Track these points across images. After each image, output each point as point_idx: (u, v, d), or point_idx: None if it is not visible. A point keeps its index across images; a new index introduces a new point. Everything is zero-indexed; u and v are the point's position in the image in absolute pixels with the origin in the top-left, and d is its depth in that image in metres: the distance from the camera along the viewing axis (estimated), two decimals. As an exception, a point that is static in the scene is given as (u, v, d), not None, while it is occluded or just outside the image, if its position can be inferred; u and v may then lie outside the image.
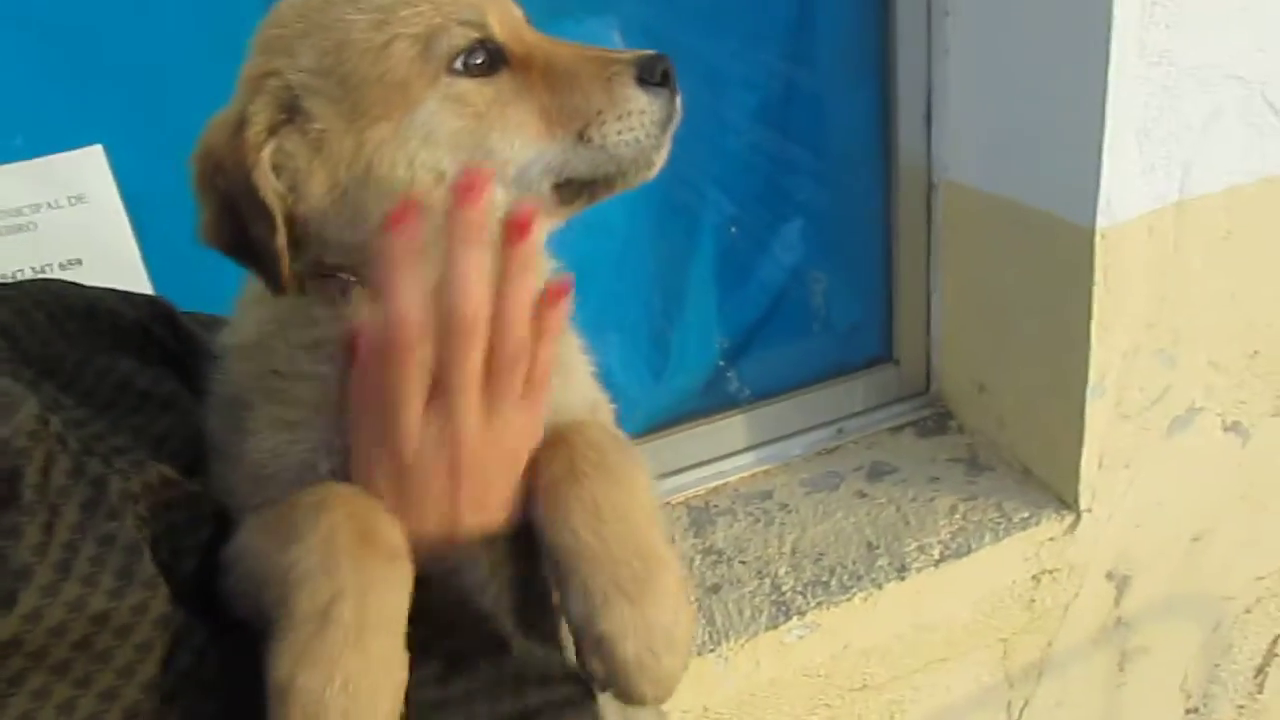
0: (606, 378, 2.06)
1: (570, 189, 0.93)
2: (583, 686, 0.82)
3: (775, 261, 2.10)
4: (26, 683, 0.66)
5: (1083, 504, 1.96)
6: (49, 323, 0.90)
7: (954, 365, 2.21)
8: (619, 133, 0.90)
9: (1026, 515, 1.96)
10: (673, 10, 1.89)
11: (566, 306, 0.85)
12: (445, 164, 0.87)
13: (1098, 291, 1.80)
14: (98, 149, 1.66)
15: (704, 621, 1.81)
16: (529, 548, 0.84)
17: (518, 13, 0.95)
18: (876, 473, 2.12)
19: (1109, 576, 2.13)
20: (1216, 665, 2.47)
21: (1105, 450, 1.96)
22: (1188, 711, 2.51)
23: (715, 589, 1.88)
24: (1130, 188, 1.76)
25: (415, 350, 0.77)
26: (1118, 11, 1.62)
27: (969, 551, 1.90)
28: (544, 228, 0.98)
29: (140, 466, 0.78)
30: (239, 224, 0.83)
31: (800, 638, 1.80)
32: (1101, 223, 1.75)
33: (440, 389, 0.80)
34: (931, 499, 2.03)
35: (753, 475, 2.16)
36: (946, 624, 1.96)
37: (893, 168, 2.09)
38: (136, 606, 0.70)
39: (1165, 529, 2.14)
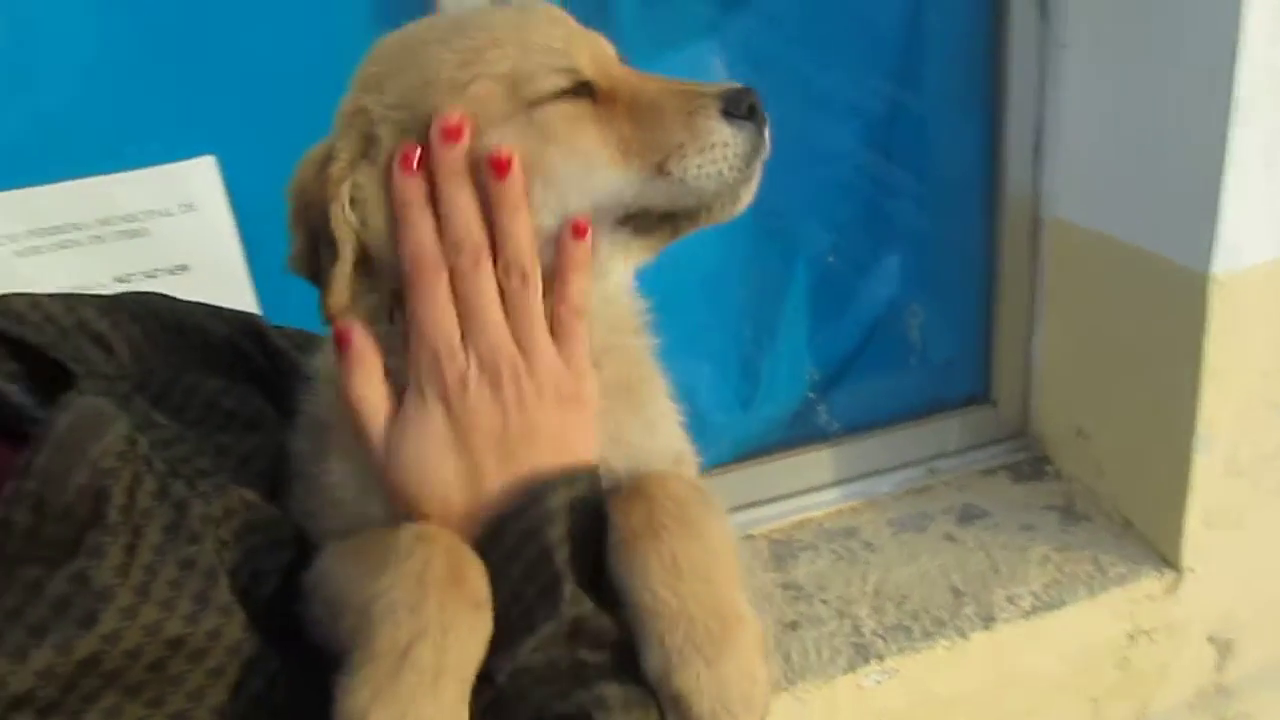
0: (692, 405, 2.06)
1: (647, 221, 0.90)
2: (634, 656, 0.81)
3: (871, 293, 2.06)
4: (100, 700, 0.66)
5: (1185, 562, 1.87)
6: (143, 337, 0.92)
7: (1053, 408, 2.13)
8: (699, 166, 0.86)
9: (1124, 571, 1.88)
10: (777, 36, 1.87)
11: (587, 241, 0.85)
12: None
13: (1210, 339, 1.72)
14: (210, 159, 1.72)
15: (780, 660, 1.77)
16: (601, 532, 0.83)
17: (608, 48, 0.93)
18: (967, 516, 2.06)
19: (1211, 640, 2.02)
20: (1326, 740, 2.33)
21: (1212, 506, 1.86)
22: (1292, 787, 2.37)
23: (794, 626, 1.84)
24: (1250, 232, 1.68)
25: (439, 273, 0.82)
26: (1245, 46, 1.55)
27: (1061, 605, 1.82)
28: (628, 266, 0.96)
29: (223, 490, 0.78)
30: (319, 256, 0.85)
31: (879, 683, 1.75)
32: (1218, 268, 1.67)
33: (467, 312, 0.83)
34: (1023, 547, 1.95)
35: (838, 511, 2.12)
36: (1033, 679, 1.88)
37: (998, 201, 2.03)
38: (211, 632, 0.70)
39: (1274, 592, 2.03)
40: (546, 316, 0.85)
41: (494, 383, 0.84)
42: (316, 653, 0.77)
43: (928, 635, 1.79)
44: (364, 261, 0.85)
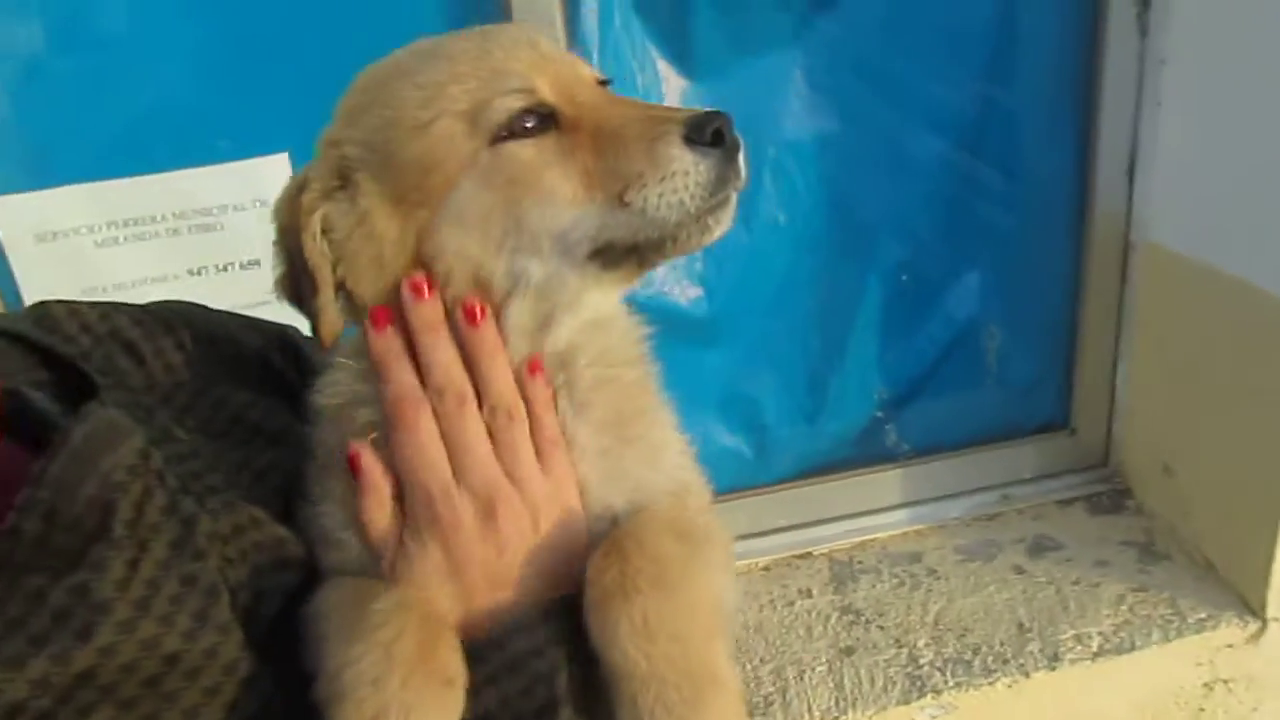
0: (756, 418, 2.03)
1: (613, 254, 0.87)
2: None
3: (948, 311, 1.99)
4: (94, 713, 0.67)
5: (1271, 611, 1.76)
6: (174, 348, 0.93)
7: (1137, 440, 2.04)
8: (660, 195, 0.83)
9: (1204, 616, 1.78)
10: (861, 45, 1.81)
11: (544, 377, 0.88)
12: (477, 248, 0.85)
13: (1310, 377, 1.62)
14: (283, 156, 1.74)
15: (832, 686, 1.72)
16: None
17: (581, 70, 0.91)
18: (1039, 548, 1.98)
19: (1296, 693, 1.91)
20: None
21: (1305, 554, 1.76)
22: None
23: (848, 652, 1.79)
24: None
25: (422, 413, 0.84)
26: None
27: (1132, 648, 1.73)
28: (605, 298, 0.93)
29: (232, 507, 0.79)
30: (299, 281, 0.85)
31: (933, 718, 1.69)
32: (1321, 303, 1.57)
33: (456, 451, 0.85)
34: (1097, 584, 1.87)
35: (903, 534, 2.06)
36: (1099, 724, 1.80)
37: (1087, 223, 1.95)
38: (208, 650, 0.70)
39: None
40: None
41: (487, 516, 0.85)
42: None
43: (988, 671, 1.72)
44: (344, 289, 0.85)
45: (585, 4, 1.72)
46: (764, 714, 1.70)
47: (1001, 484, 2.08)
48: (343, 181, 0.85)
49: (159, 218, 1.74)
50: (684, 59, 1.79)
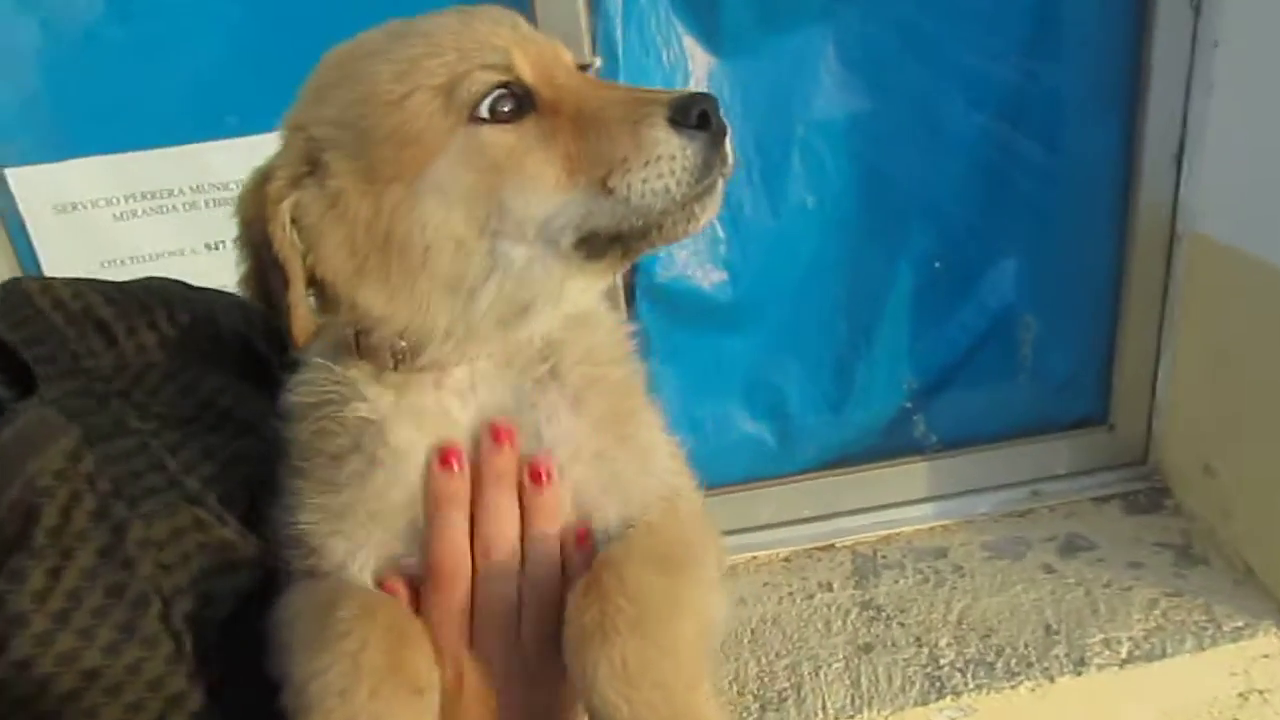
0: (780, 406, 1.98)
1: (597, 243, 0.83)
2: None
3: (982, 300, 1.92)
4: None
5: (1313, 621, 1.69)
6: (147, 328, 0.90)
7: (1178, 438, 1.96)
8: (644, 180, 0.79)
9: (1240, 624, 1.71)
10: (895, 26, 1.74)
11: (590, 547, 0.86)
12: (460, 225, 0.80)
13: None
14: (301, 130, 1.72)
15: (848, 683, 1.68)
16: None
17: (560, 54, 0.87)
18: (1070, 547, 1.91)
19: (1338, 707, 1.83)
20: None
21: (1350, 563, 1.68)
22: None
23: (866, 649, 1.75)
24: None
25: (457, 584, 0.83)
26: None
27: (1164, 655, 1.67)
28: (587, 289, 0.89)
29: (172, 509, 0.76)
30: (267, 277, 0.81)
31: (951, 720, 1.65)
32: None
33: (481, 617, 0.84)
34: (1129, 587, 1.80)
35: (930, 529, 2.00)
36: (1125, 732, 1.74)
37: (1132, 211, 1.86)
38: (131, 665, 0.68)
39: None
40: None
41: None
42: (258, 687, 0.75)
43: (1011, 674, 1.67)
44: (314, 284, 0.82)
45: (608, -24, 1.67)
46: (777, 710, 1.67)
47: (1033, 479, 2.01)
48: (311, 167, 0.81)
49: (177, 191, 1.73)
50: (711, 35, 1.74)
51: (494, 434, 0.83)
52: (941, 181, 1.83)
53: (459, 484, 0.83)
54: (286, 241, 0.80)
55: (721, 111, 0.82)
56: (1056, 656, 1.68)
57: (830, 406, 1.98)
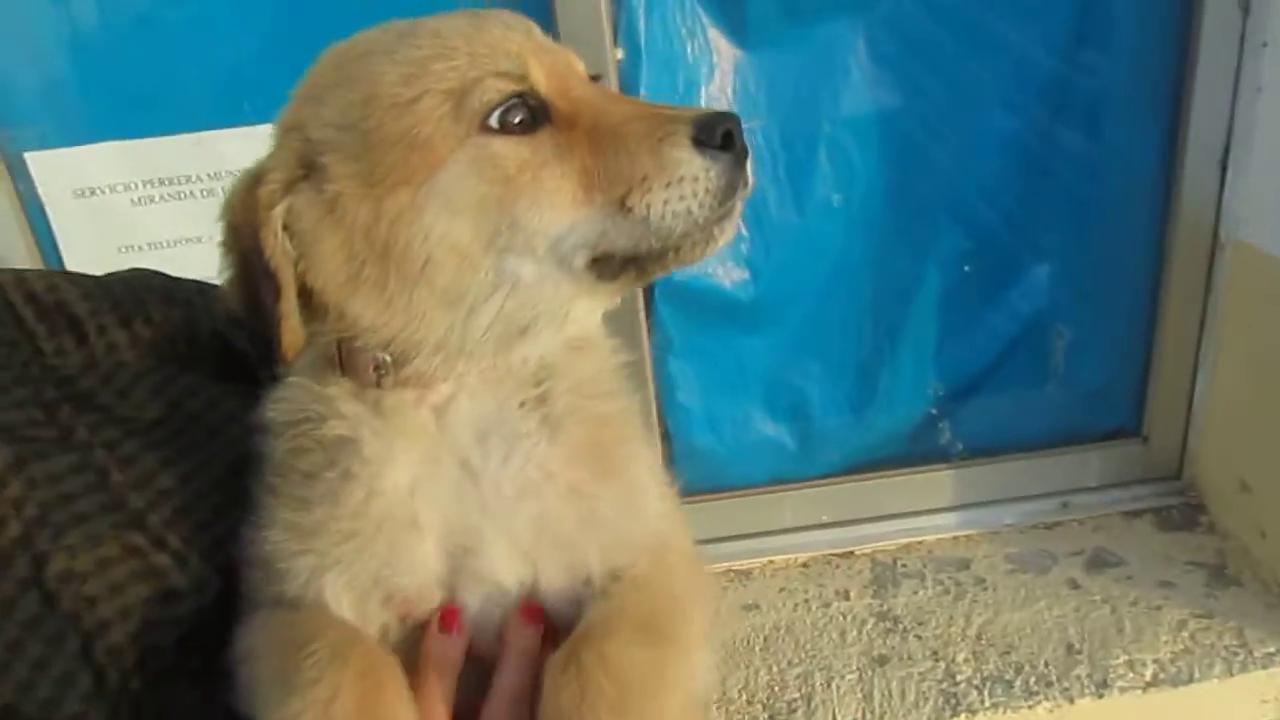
0: (801, 408, 1.93)
1: (611, 264, 0.80)
2: None
3: (1013, 306, 1.86)
4: None
5: (1351, 649, 1.62)
6: (118, 326, 0.89)
7: (1214, 453, 1.89)
8: (665, 202, 0.76)
9: (1273, 650, 1.64)
10: (925, 16, 1.68)
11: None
12: (466, 237, 0.77)
13: None
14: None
15: (860, 696, 1.64)
16: None
17: (574, 64, 0.84)
18: (1098, 562, 1.85)
19: (1374, 738, 1.76)
20: None
21: (1392, 589, 1.61)
22: None
23: (881, 661, 1.70)
24: None
25: None
26: None
27: (1190, 679, 1.61)
28: (593, 311, 0.86)
29: (97, 540, 0.74)
30: (254, 285, 0.78)
31: (965, 739, 1.60)
32: None
33: None
34: (1157, 606, 1.74)
35: (952, 539, 1.95)
36: (1146, 759, 1.68)
37: (1172, 217, 1.79)
38: (47, 701, 0.66)
39: None
40: None
41: None
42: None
43: (1029, 693, 1.61)
44: (303, 293, 0.79)
45: (631, -35, 1.63)
46: (786, 721, 1.63)
47: (1062, 491, 1.95)
48: (306, 170, 0.78)
49: (194, 178, 1.72)
50: (737, 26, 1.69)
51: (524, 613, 0.81)
52: (973, 181, 1.77)
53: (455, 650, 0.80)
54: (279, 249, 0.77)
55: (744, 132, 0.79)
56: (1078, 677, 1.63)
57: (853, 410, 1.93)
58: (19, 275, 0.89)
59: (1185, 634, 1.68)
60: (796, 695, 1.66)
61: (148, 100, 1.68)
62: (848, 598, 1.85)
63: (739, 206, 0.80)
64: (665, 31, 1.66)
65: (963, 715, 1.60)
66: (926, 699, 1.63)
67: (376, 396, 0.82)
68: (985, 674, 1.66)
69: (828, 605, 1.84)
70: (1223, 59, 1.67)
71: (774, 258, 1.81)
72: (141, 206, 1.73)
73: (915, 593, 1.84)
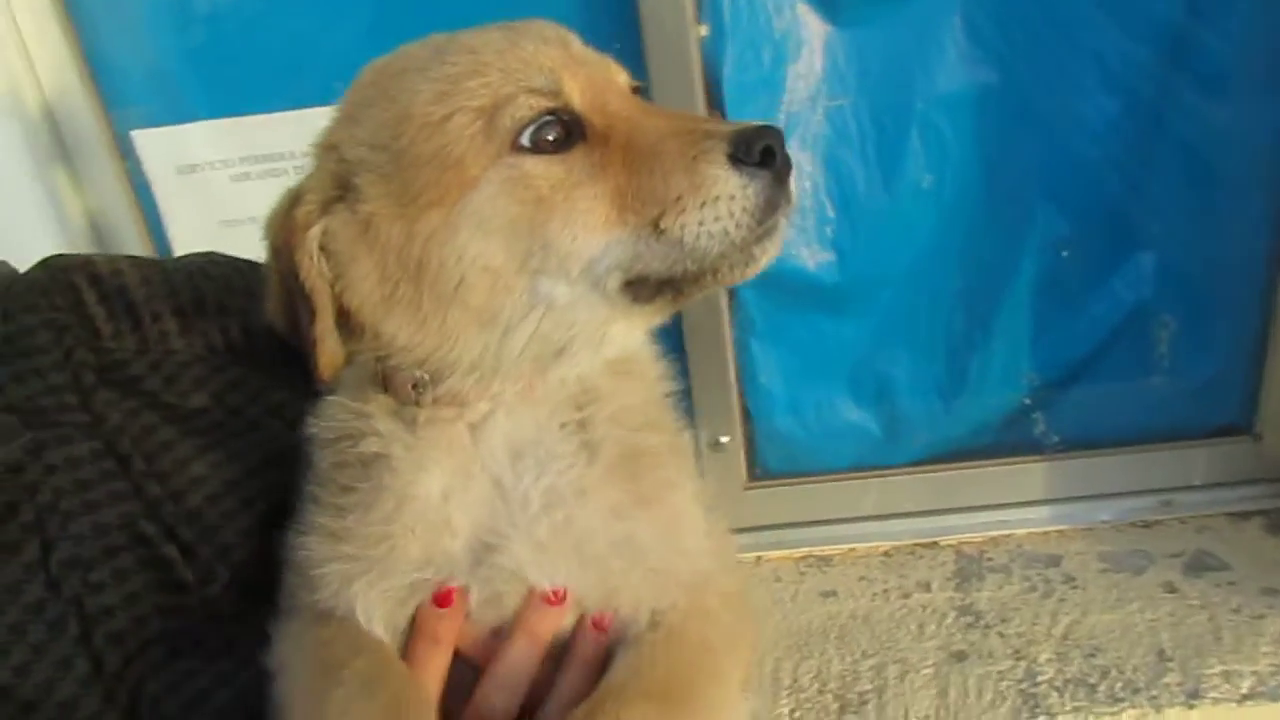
0: (887, 395, 1.88)
1: (647, 287, 0.78)
2: None
3: (1113, 295, 1.76)
4: None
5: None
6: (172, 314, 0.92)
7: (1334, 454, 1.77)
8: (700, 223, 0.73)
9: (1386, 668, 1.53)
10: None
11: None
12: (499, 259, 0.76)
13: None
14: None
15: (935, 692, 1.60)
16: None
17: (614, 75, 0.82)
18: (1198, 565, 1.76)
19: None
20: None
21: None
22: None
23: (959, 657, 1.66)
24: None
25: None
26: None
27: (1291, 695, 1.52)
28: (631, 332, 0.84)
29: (103, 530, 0.76)
30: (294, 306, 0.79)
31: (1042, 742, 1.54)
32: None
33: None
34: (1260, 615, 1.64)
35: (1043, 534, 1.88)
36: (1238, 777, 1.60)
37: (1291, 200, 1.67)
38: (42, 685, 0.69)
39: None
40: None
41: None
42: None
43: (1114, 699, 1.55)
44: (341, 313, 0.79)
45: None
46: (856, 712, 1.60)
47: (1164, 489, 1.86)
48: (342, 191, 0.79)
49: (288, 155, 1.77)
50: (826, 1, 1.64)
51: (548, 598, 0.81)
52: (1073, 163, 1.68)
53: (447, 625, 0.80)
54: (314, 271, 0.78)
55: (787, 146, 0.76)
56: (1167, 685, 1.55)
57: (941, 397, 1.87)
58: (87, 259, 0.93)
59: (1289, 646, 1.59)
60: (869, 687, 1.63)
61: (245, 79, 1.74)
62: (929, 589, 1.81)
63: (782, 223, 0.78)
64: (750, 6, 1.62)
65: (1041, 718, 1.54)
66: (1004, 698, 1.58)
67: (413, 414, 0.82)
68: (1068, 676, 1.59)
69: (907, 596, 1.80)
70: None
71: (861, 240, 1.76)
72: (239, 183, 1.79)
73: (1000, 588, 1.78)
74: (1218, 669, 1.56)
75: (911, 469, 1.92)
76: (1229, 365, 1.81)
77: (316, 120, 1.72)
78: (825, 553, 1.93)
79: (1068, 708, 1.55)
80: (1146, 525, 1.86)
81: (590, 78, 0.79)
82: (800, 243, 1.76)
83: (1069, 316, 1.80)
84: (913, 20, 1.64)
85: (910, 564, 1.88)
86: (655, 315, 0.83)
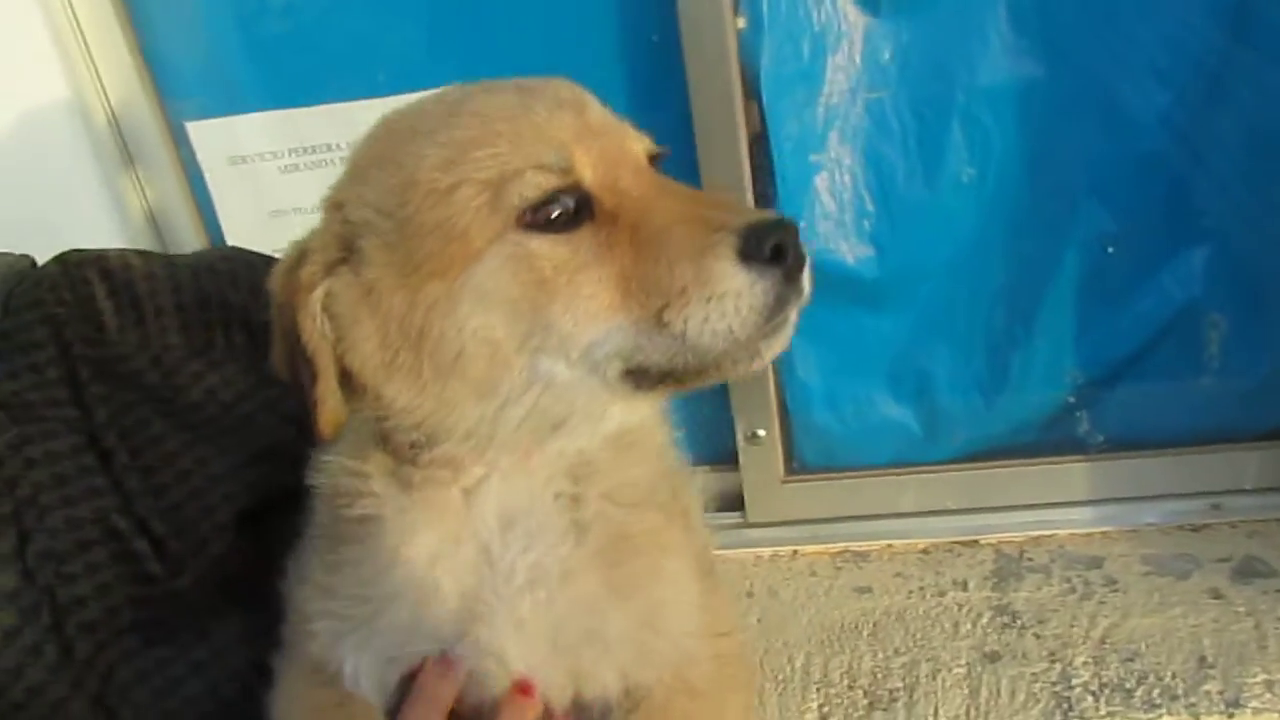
0: (927, 391, 1.86)
1: (648, 376, 0.76)
2: None
3: (1162, 292, 1.72)
4: None
5: None
6: (175, 309, 0.94)
7: (1394, 460, 1.70)
8: (704, 319, 0.71)
9: None
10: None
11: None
12: (499, 334, 0.75)
13: None
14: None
15: (966, 692, 1.58)
16: None
17: (631, 146, 0.79)
18: (1246, 571, 1.71)
19: None
20: None
21: None
22: None
23: (993, 658, 1.63)
24: None
25: None
26: None
27: (1337, 706, 1.47)
28: (631, 410, 0.83)
29: (78, 524, 0.79)
30: (296, 362, 0.80)
31: (1074, 746, 1.52)
32: None
33: None
34: (1309, 624, 1.60)
35: (1086, 535, 1.84)
36: (1278, 789, 1.55)
37: (1352, 197, 1.61)
38: (12, 670, 0.71)
39: None
40: None
41: None
42: None
43: (1150, 705, 1.51)
44: (344, 373, 0.80)
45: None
46: (886, 709, 1.59)
47: (1213, 492, 1.80)
48: (346, 253, 0.78)
49: (334, 146, 1.81)
50: (868, -9, 1.63)
51: (520, 688, 0.81)
52: (1120, 157, 1.64)
53: (447, 688, 0.81)
54: (316, 333, 0.78)
55: (801, 241, 0.74)
56: (1207, 692, 1.52)
57: (982, 395, 1.85)
58: (100, 254, 0.96)
59: (1337, 656, 1.54)
60: (899, 684, 1.62)
61: (296, 72, 1.78)
62: (965, 588, 1.78)
63: (793, 317, 0.76)
64: (790, -1, 1.62)
65: (1074, 721, 1.52)
66: (1037, 700, 1.56)
67: (409, 474, 0.83)
68: (1104, 680, 1.56)
69: (943, 594, 1.78)
70: None
71: (900, 234, 1.74)
72: (288, 174, 1.84)
73: (1039, 589, 1.75)
74: (1261, 678, 1.52)
75: (951, 466, 1.90)
76: (1284, 368, 1.76)
77: (360, 114, 1.78)
78: (862, 549, 1.92)
79: (1102, 712, 1.52)
80: (1194, 529, 1.81)
81: (604, 151, 0.77)
82: (839, 236, 1.75)
83: (1115, 313, 1.76)
84: (955, 10, 1.62)
85: (948, 562, 1.85)
86: (656, 400, 0.83)
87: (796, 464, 1.94)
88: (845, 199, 1.73)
